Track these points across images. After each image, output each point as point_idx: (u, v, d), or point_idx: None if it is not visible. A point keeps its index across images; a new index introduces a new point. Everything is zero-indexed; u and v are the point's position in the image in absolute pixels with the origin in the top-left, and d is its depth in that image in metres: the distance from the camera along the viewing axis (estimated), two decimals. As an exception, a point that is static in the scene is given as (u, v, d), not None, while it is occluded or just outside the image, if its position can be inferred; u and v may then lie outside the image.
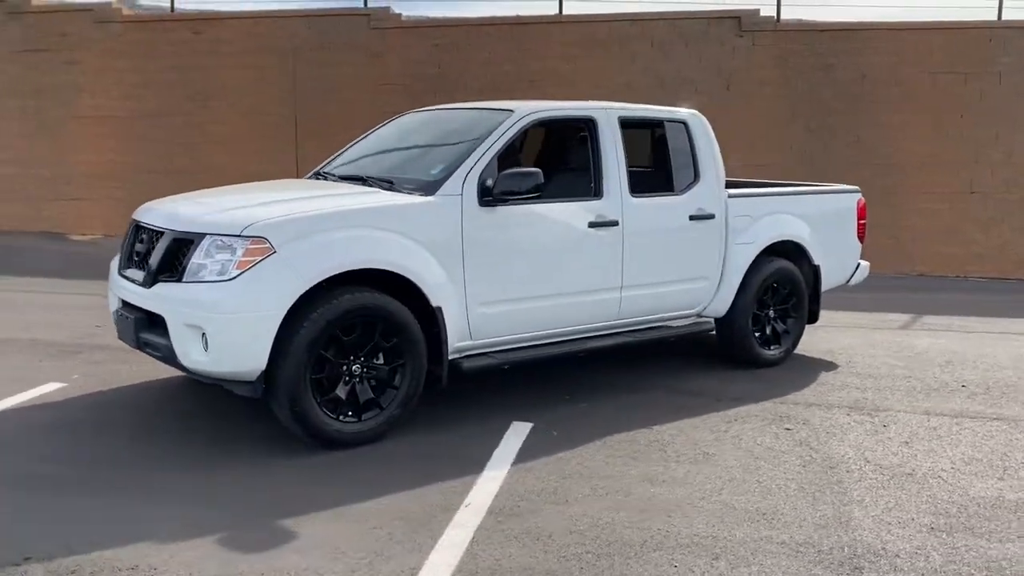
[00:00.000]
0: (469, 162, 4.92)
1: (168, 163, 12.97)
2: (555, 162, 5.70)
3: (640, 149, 6.04)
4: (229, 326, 4.12)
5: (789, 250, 6.53)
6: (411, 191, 4.87)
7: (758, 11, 12.13)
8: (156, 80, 13.11)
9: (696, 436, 4.90)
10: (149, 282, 4.48)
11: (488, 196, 4.86)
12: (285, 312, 4.18)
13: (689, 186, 5.92)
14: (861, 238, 7.10)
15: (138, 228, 4.92)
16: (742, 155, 11.92)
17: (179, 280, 4.33)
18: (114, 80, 13.20)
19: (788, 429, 5.08)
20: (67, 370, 5.84)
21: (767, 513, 3.89)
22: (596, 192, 5.44)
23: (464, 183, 4.84)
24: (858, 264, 7.17)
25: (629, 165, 5.57)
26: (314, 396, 4.32)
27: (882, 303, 9.16)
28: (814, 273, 6.66)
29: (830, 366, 6.56)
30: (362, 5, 13.02)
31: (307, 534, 3.55)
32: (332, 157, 6.12)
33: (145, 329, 4.52)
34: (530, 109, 5.32)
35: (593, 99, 6.04)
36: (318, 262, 4.28)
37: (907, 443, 4.88)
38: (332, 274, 4.30)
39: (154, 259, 4.49)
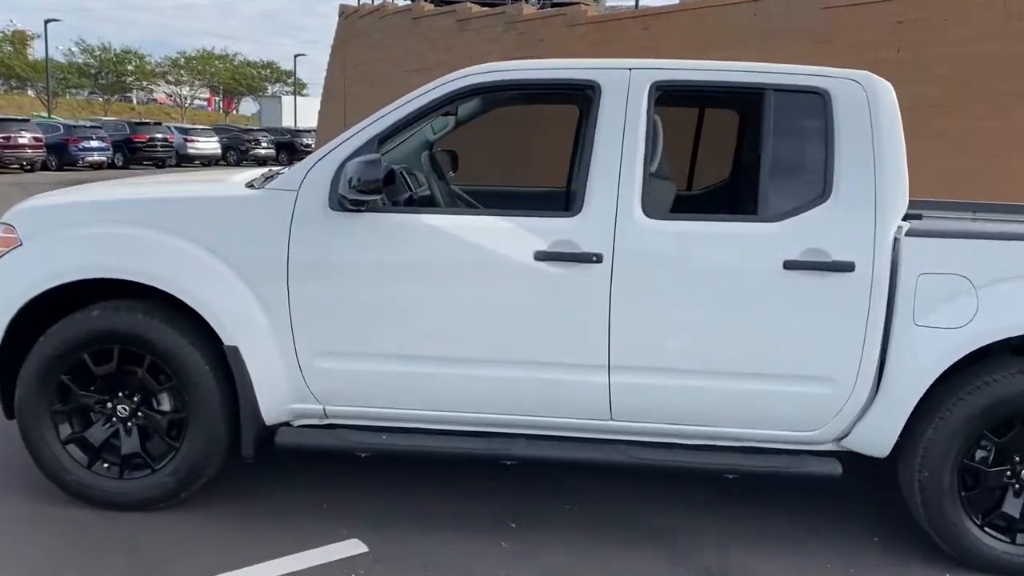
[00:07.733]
0: (325, 149, 3.36)
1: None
2: (514, 155, 3.62)
3: (725, 142, 3.48)
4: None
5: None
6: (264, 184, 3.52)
7: None
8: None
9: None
10: None
11: (344, 198, 3.25)
12: (7, 323, 3.35)
13: (802, 207, 3.17)
14: None
15: None
16: None
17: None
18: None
19: None
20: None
21: None
22: (568, 204, 3.28)
23: (305, 177, 3.32)
24: None
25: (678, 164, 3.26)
26: (56, 430, 3.41)
27: None
28: None
29: None
30: (825, -20, 10.67)
31: None
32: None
33: None
34: (469, 72, 3.40)
35: None
36: (47, 263, 3.32)
37: None
38: (59, 283, 3.29)
39: None
